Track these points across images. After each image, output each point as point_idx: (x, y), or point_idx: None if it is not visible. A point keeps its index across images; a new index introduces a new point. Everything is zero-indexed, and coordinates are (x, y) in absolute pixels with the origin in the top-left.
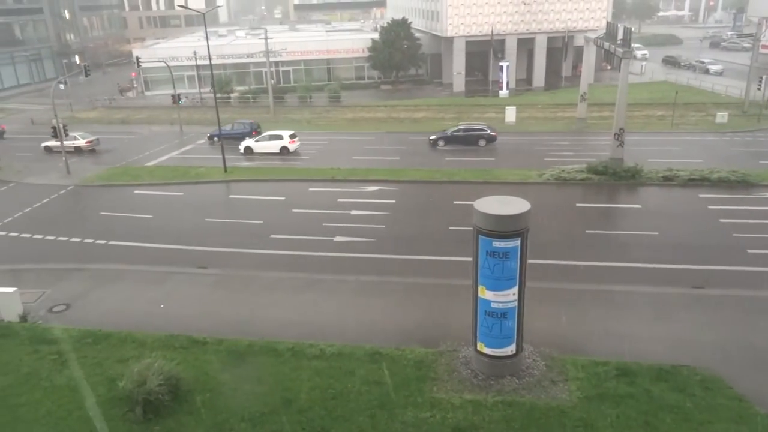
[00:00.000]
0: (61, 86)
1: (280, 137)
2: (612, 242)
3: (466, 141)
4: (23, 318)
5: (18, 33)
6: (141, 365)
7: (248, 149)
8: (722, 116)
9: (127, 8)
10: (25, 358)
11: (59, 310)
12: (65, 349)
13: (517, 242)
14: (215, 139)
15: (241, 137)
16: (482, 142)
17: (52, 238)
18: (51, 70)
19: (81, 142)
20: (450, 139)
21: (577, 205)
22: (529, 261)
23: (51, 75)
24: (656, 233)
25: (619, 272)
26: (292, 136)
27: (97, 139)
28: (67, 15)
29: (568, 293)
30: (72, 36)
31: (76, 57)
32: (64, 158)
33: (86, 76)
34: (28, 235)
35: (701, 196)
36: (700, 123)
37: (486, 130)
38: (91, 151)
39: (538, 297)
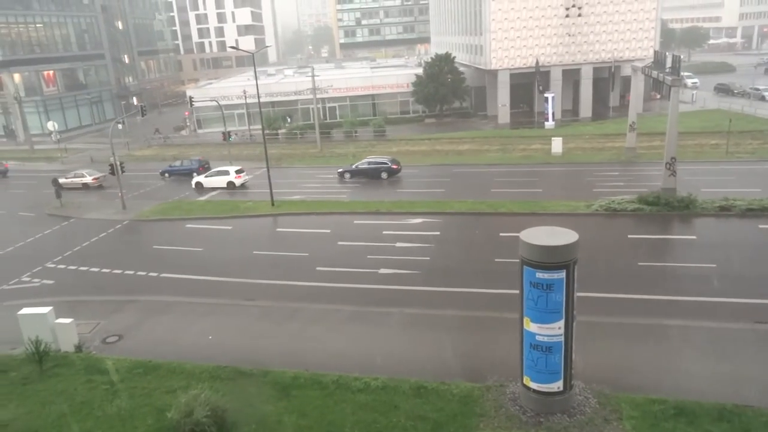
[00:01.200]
0: (120, 126)
1: (226, 173)
2: (666, 275)
3: (369, 174)
4: (78, 348)
5: (81, 78)
6: (188, 396)
7: (198, 184)
8: None
9: (182, 51)
10: (80, 387)
11: (112, 340)
12: (117, 380)
13: (561, 274)
14: (166, 174)
15: (189, 173)
16: (384, 175)
17: (107, 270)
18: (110, 111)
19: (88, 179)
20: (355, 172)
21: (629, 236)
22: (580, 293)
23: (110, 116)
24: (713, 265)
25: (675, 306)
26: (238, 171)
27: (104, 176)
28: (126, 60)
29: (620, 327)
30: (130, 79)
31: (134, 98)
32: (120, 195)
33: (143, 116)
34: (85, 268)
35: (761, 226)
36: (758, 151)
37: (387, 164)
38: (98, 187)
39: (589, 331)
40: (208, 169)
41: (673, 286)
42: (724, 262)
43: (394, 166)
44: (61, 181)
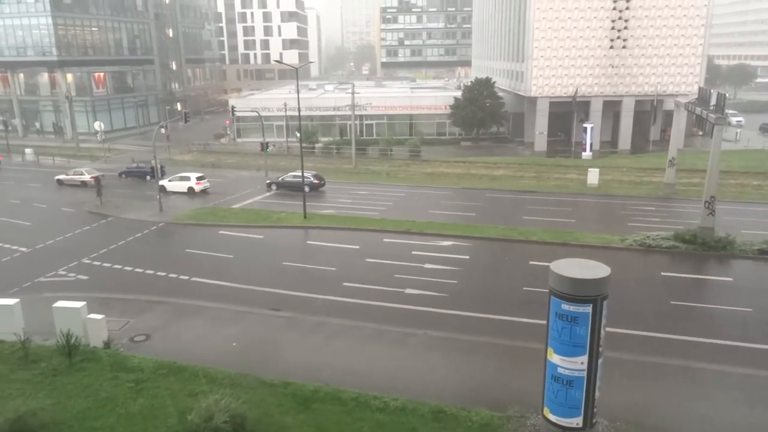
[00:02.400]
0: (162, 131)
1: (188, 178)
2: (699, 315)
3: (293, 187)
4: (107, 345)
5: (130, 81)
6: (209, 401)
7: (162, 187)
8: None
9: (227, 61)
10: (105, 383)
11: (140, 339)
12: (142, 378)
13: (588, 308)
14: (123, 175)
15: (143, 175)
16: (306, 188)
17: (140, 270)
18: (155, 116)
19: (86, 177)
20: (281, 184)
21: (662, 273)
22: (609, 329)
23: (154, 120)
24: (750, 310)
25: (707, 348)
26: (199, 178)
27: (102, 175)
28: (173, 66)
29: (650, 366)
30: (176, 85)
31: (178, 104)
32: (158, 197)
33: (185, 122)
34: (119, 267)
35: None
36: None
37: (310, 178)
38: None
39: (617, 367)
40: (164, 173)
41: (705, 328)
42: (760, 307)
43: (316, 181)
44: (62, 177)
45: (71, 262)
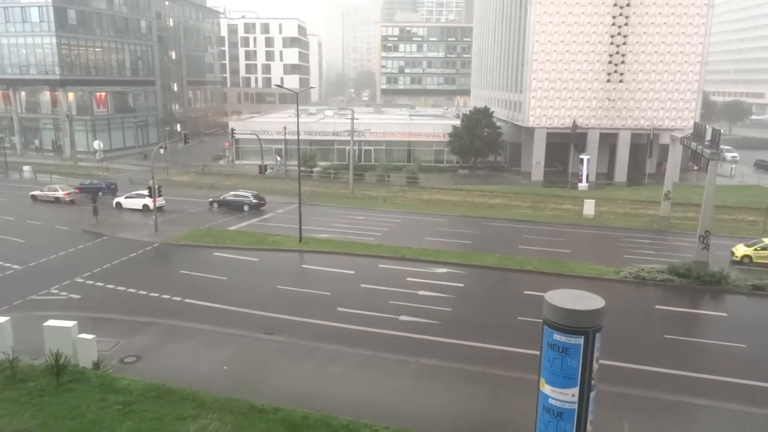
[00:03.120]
0: (161, 151)
1: (143, 196)
2: (693, 350)
3: (233, 205)
4: (96, 365)
5: (131, 101)
6: (197, 425)
7: (118, 204)
8: None
9: (228, 84)
10: (93, 405)
11: (130, 361)
12: (130, 401)
13: (579, 340)
14: (77, 191)
15: (96, 191)
16: (246, 207)
17: (133, 291)
18: (154, 136)
19: (60, 194)
20: (222, 203)
21: (657, 306)
22: (602, 361)
23: (153, 140)
24: (743, 345)
25: (701, 384)
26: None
27: (75, 192)
28: (175, 87)
29: (642, 401)
30: (177, 106)
31: (178, 125)
32: (155, 217)
33: (185, 143)
34: (112, 286)
35: None
36: None
37: (249, 197)
38: (70, 201)
39: (610, 401)
40: (116, 190)
41: (699, 363)
42: (754, 343)
43: (256, 201)
44: (36, 193)
45: (64, 281)
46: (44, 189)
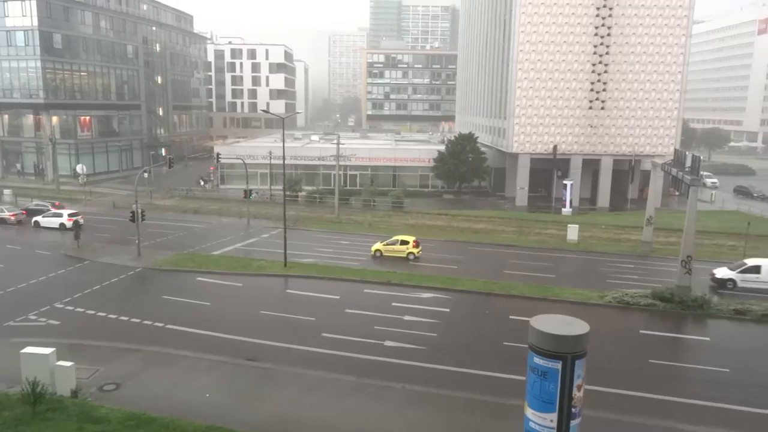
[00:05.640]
0: (146, 175)
1: (60, 215)
2: (677, 375)
3: (36, 214)
4: (74, 394)
5: (115, 125)
6: None
7: (36, 223)
8: None
9: (214, 109)
10: None
11: (109, 388)
12: (108, 430)
13: (557, 365)
14: (24, 213)
15: (40, 214)
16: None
17: (113, 316)
18: (138, 160)
19: (6, 215)
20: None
21: (641, 331)
22: (587, 386)
23: (138, 164)
24: (727, 370)
25: (686, 409)
26: (70, 215)
27: (22, 213)
28: (160, 112)
29: (627, 426)
30: (162, 130)
31: (163, 149)
32: (137, 241)
33: (169, 167)
34: (92, 312)
35: None
36: None
37: (48, 207)
38: (17, 222)
39: (594, 427)
40: (44, 212)
41: (683, 387)
42: (737, 367)
43: (52, 210)
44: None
45: (43, 307)
46: None
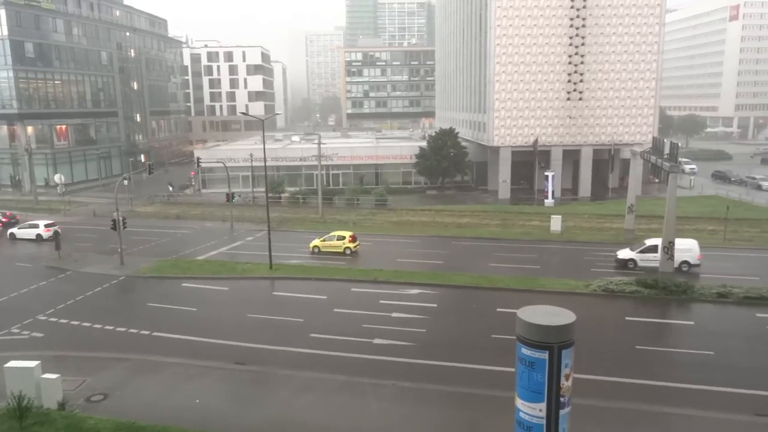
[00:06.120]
0: (125, 182)
1: (36, 226)
2: (664, 360)
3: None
4: (62, 406)
5: (92, 133)
6: None
7: (12, 234)
8: None
9: (193, 113)
10: None
11: (97, 399)
12: None
13: (544, 355)
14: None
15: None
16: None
17: (99, 326)
18: (118, 167)
19: None
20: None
21: (627, 318)
22: (575, 375)
23: (117, 171)
24: (711, 353)
25: (673, 393)
26: (47, 225)
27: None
28: (138, 118)
29: (617, 413)
30: (140, 137)
31: (142, 156)
32: (120, 250)
33: (149, 174)
34: (77, 323)
35: (759, 315)
36: (756, 239)
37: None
38: None
39: (584, 415)
40: (16, 222)
41: (670, 372)
42: (722, 350)
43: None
44: None
45: (26, 319)
46: None
